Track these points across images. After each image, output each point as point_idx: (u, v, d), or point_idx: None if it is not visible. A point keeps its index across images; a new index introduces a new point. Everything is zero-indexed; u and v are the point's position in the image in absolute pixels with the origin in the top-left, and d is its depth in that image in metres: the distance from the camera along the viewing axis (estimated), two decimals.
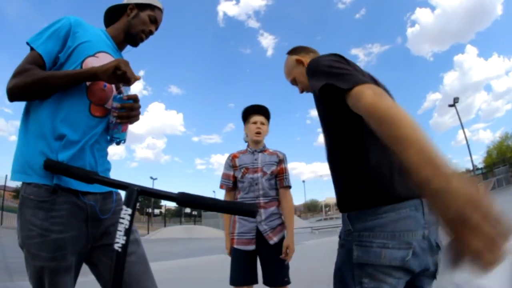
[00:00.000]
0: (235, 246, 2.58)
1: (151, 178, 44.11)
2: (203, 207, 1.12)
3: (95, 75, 1.31)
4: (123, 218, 1.01)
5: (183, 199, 1.07)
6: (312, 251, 11.03)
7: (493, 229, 0.61)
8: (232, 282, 2.54)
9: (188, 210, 47.75)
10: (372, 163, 1.15)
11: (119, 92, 1.42)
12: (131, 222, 1.02)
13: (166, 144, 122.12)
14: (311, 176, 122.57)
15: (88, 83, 1.37)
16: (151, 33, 1.66)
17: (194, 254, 11.78)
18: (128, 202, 1.04)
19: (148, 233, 27.38)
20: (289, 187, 2.71)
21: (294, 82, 1.67)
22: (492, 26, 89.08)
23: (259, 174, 2.65)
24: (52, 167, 1.16)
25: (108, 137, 1.51)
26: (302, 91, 1.67)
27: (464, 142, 27.69)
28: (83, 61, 1.37)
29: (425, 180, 0.72)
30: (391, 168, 1.14)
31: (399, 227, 1.07)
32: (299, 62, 1.60)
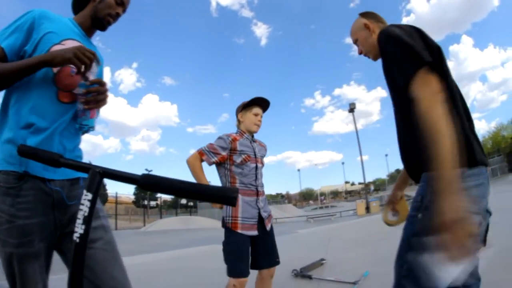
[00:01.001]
0: (240, 230, 2.51)
1: (146, 170, 44.24)
2: (172, 191, 0.96)
3: (50, 60, 1.30)
4: (82, 205, 0.92)
5: (147, 182, 0.93)
6: (306, 239, 11.07)
7: (464, 241, 0.97)
8: (240, 273, 2.44)
9: (184, 201, 47.99)
10: (456, 126, 1.19)
11: (85, 79, 1.40)
12: (91, 209, 0.93)
13: (161, 135, 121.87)
14: (306, 165, 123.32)
15: (55, 70, 1.38)
16: (118, 15, 1.64)
17: (190, 245, 11.78)
18: (89, 186, 0.94)
19: (144, 225, 27.46)
20: None
21: (355, 42, 1.74)
22: (488, 17, 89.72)
23: (259, 164, 2.79)
24: (25, 152, 1.07)
25: (77, 126, 1.49)
26: (360, 53, 1.74)
27: None
28: (48, 50, 1.37)
29: (439, 171, 1.07)
30: (471, 133, 1.27)
31: (479, 192, 1.19)
32: (367, 27, 1.66)
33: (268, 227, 2.68)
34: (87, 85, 1.38)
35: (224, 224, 2.58)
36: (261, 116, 2.88)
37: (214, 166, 2.73)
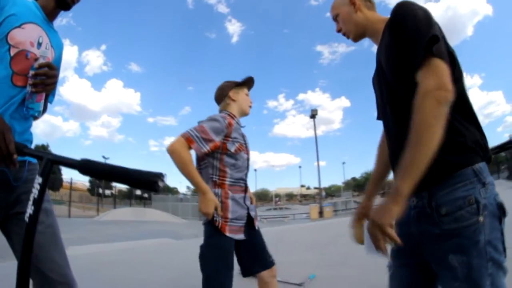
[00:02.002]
0: (228, 234, 2.07)
1: (103, 157, 43.06)
2: (103, 176, 0.98)
3: None
4: (34, 188, 0.96)
5: (85, 167, 0.96)
6: None
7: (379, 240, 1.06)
8: (222, 286, 2.00)
9: (138, 192, 47.15)
10: (474, 125, 1.18)
11: (35, 60, 1.43)
12: (41, 192, 0.96)
13: (121, 123, 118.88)
14: (264, 165, 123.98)
15: (12, 53, 1.39)
16: None
17: (142, 237, 11.66)
18: (42, 172, 0.98)
19: (98, 214, 26.86)
20: None
21: (335, 18, 1.58)
22: (460, 44, 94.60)
23: (249, 156, 2.41)
24: None
25: (24, 108, 1.47)
26: (339, 31, 1.58)
27: None
28: (8, 33, 1.38)
29: (400, 181, 1.04)
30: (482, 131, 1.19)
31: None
32: (352, 2, 1.49)
33: (256, 226, 2.32)
34: (36, 68, 1.39)
35: (210, 222, 2.09)
36: None
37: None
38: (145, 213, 27.14)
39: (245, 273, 2.29)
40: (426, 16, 1.15)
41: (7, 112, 1.39)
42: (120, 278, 4.93)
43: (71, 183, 31.40)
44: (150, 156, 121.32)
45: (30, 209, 0.94)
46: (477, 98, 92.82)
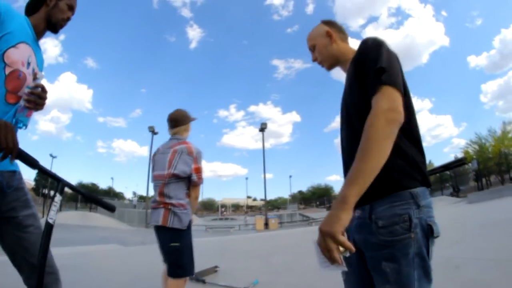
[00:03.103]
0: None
1: (51, 156, 41.29)
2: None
3: None
4: (56, 202, 1.42)
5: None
6: (203, 248, 11.30)
7: (331, 249, 1.01)
8: (192, 271, 2.75)
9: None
10: (414, 148, 1.27)
11: (35, 79, 1.62)
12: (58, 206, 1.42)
13: (70, 120, 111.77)
14: (210, 175, 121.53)
15: (7, 72, 1.50)
16: (68, 19, 1.83)
17: (91, 242, 11.56)
18: (60, 191, 1.46)
19: (43, 216, 25.67)
20: None
21: (312, 48, 1.68)
22: (413, 70, 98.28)
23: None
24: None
25: (14, 120, 1.58)
26: (314, 60, 1.68)
27: None
28: (5, 51, 1.50)
29: (346, 189, 1.06)
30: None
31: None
32: (329, 34, 1.61)
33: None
34: (32, 87, 1.55)
35: (180, 225, 2.69)
36: None
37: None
38: (90, 217, 26.29)
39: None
40: (386, 51, 1.27)
41: None
42: (72, 283, 4.80)
43: None
44: (97, 157, 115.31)
45: (54, 216, 1.37)
46: (427, 120, 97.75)
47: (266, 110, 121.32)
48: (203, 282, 4.82)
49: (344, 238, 1.02)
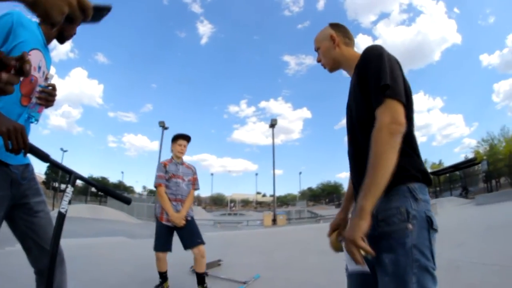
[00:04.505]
0: (164, 222, 3.98)
1: (62, 150, 41.72)
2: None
3: None
4: (68, 193, 1.59)
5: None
6: (209, 242, 11.26)
7: (354, 251, 1.16)
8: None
9: (94, 189, 45.87)
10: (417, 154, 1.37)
11: (46, 79, 1.79)
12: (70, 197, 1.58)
13: (81, 114, 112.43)
14: (220, 170, 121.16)
15: (21, 78, 1.72)
16: (75, 34, 1.96)
17: (99, 235, 11.75)
18: (72, 183, 1.62)
19: (53, 209, 25.94)
20: (197, 189, 4.38)
21: (317, 50, 1.74)
22: (425, 68, 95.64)
23: (180, 180, 4.09)
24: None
25: (27, 115, 1.74)
26: (318, 61, 1.74)
27: None
28: None
29: (363, 201, 1.18)
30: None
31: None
32: (332, 38, 1.65)
33: (189, 217, 4.13)
34: (45, 85, 1.73)
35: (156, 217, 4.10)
36: (184, 145, 4.19)
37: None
38: (100, 210, 26.48)
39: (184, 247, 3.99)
40: (388, 61, 1.33)
41: None
42: (77, 272, 4.98)
43: None
44: (107, 151, 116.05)
45: (66, 206, 1.54)
46: (438, 119, 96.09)
47: (277, 106, 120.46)
48: (206, 274, 4.90)
49: (364, 243, 1.14)
